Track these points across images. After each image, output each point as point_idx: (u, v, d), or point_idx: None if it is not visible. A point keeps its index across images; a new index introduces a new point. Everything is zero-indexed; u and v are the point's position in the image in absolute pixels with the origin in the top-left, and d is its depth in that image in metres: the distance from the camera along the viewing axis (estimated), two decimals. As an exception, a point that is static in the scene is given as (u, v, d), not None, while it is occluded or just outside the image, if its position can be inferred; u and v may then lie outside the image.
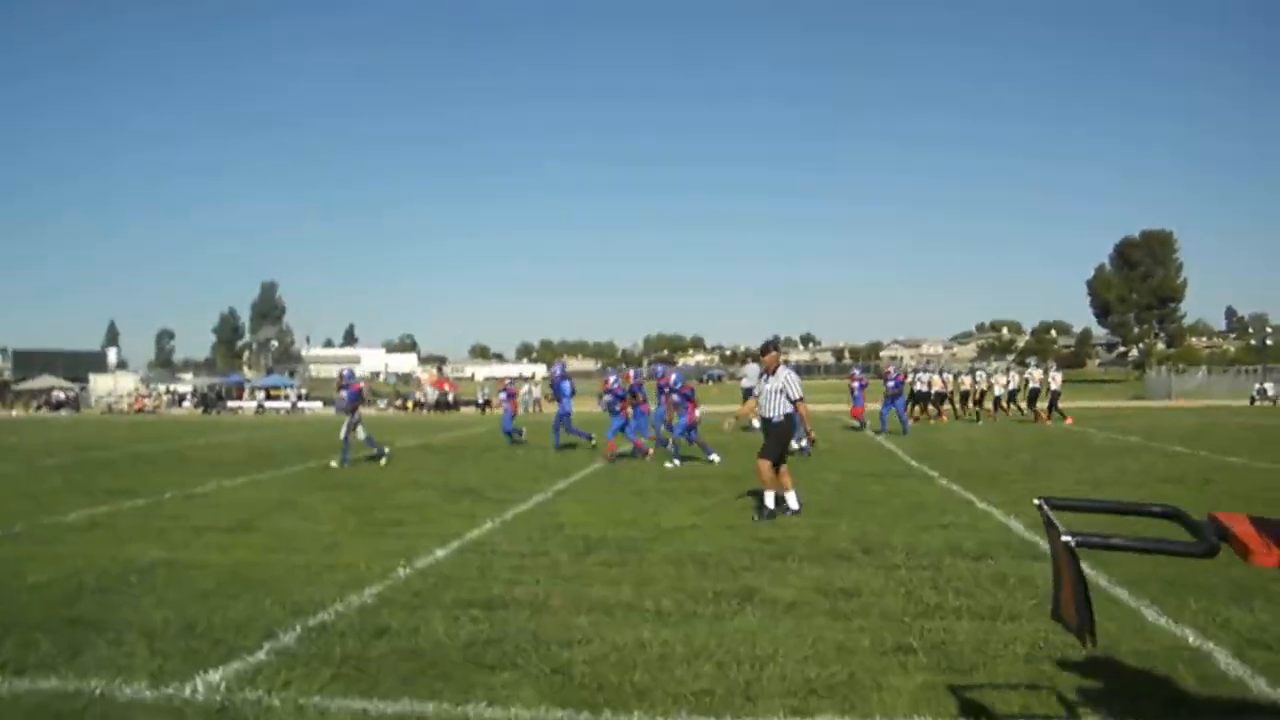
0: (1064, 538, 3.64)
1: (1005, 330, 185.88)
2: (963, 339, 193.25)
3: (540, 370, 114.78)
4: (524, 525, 10.75)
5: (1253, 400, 53.38)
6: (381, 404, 60.56)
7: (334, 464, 18.06)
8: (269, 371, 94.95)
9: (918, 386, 34.34)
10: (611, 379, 19.99)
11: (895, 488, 14.08)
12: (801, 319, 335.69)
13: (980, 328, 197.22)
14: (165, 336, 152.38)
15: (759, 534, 10.03)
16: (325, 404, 62.76)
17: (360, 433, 18.45)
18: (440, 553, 9.18)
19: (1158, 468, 16.41)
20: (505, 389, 25.99)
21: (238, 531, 10.49)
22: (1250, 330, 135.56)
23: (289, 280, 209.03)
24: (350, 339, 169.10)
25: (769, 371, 11.46)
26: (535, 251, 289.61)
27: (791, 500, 11.24)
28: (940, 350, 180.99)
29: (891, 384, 27.14)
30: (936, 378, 36.34)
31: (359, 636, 6.30)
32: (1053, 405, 32.12)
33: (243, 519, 11.30)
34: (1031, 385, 33.94)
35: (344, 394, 19.28)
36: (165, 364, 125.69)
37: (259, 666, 5.69)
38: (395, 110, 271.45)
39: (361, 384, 20.63)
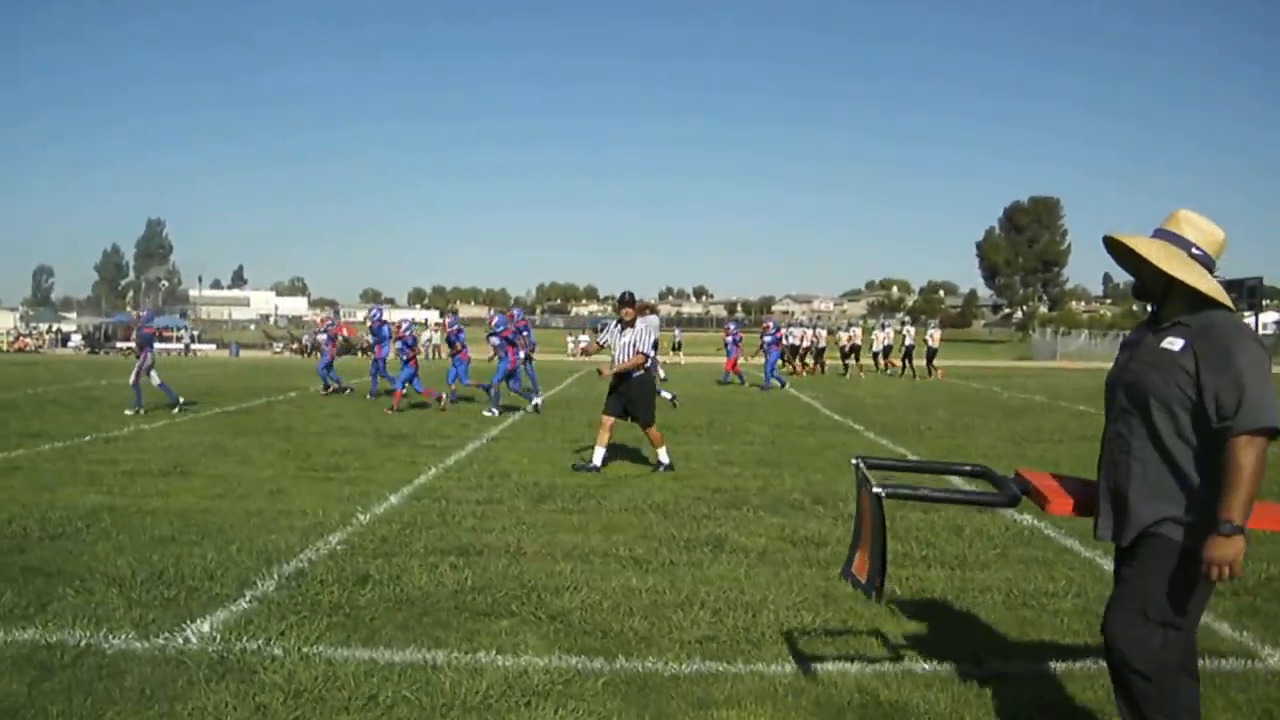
0: (874, 489, 3.85)
1: (895, 289, 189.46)
2: (853, 296, 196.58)
3: (433, 316, 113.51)
4: (469, 472, 10.62)
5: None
6: (277, 347, 59.06)
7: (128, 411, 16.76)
8: (159, 312, 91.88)
9: (789, 340, 35.71)
10: (496, 320, 20.07)
11: (827, 440, 14.30)
12: (695, 272, 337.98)
13: (870, 285, 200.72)
14: (43, 273, 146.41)
15: (708, 483, 10.10)
16: (219, 346, 61.16)
17: (155, 378, 17.15)
18: (394, 499, 9.03)
19: (1071, 426, 16.90)
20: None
21: (174, 476, 10.15)
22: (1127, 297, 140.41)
23: (175, 218, 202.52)
24: (239, 280, 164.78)
25: (626, 324, 10.96)
26: (427, 196, 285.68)
27: (663, 455, 11.02)
28: (831, 307, 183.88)
29: (768, 338, 26.90)
30: (809, 332, 38.34)
31: (341, 584, 6.16)
32: (929, 360, 33.93)
33: (176, 463, 10.94)
34: (907, 342, 35.10)
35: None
36: (44, 302, 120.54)
37: (247, 615, 5.52)
38: (285, 50, 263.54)
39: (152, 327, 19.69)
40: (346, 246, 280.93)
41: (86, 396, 20.91)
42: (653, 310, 12.66)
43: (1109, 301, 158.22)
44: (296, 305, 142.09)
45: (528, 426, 15.63)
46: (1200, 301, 3.42)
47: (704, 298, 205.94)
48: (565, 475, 10.51)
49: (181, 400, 17.52)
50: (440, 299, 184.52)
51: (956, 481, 8.87)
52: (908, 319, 57.86)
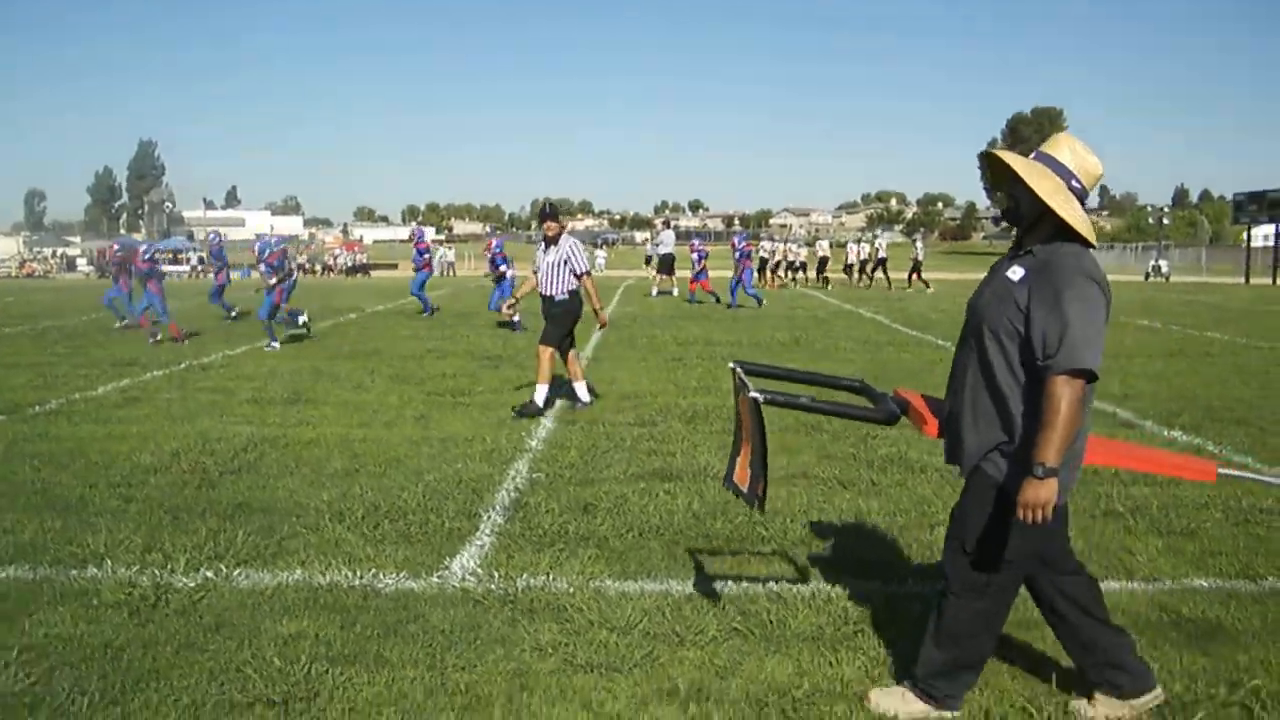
0: (752, 394, 3.74)
1: (893, 201, 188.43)
2: (851, 209, 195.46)
3: (430, 232, 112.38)
4: (598, 393, 10.44)
5: (1147, 276, 55.10)
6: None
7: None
8: (166, 234, 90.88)
9: (762, 255, 36.95)
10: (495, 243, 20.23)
11: (924, 356, 14.13)
12: (690, 185, 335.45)
13: (866, 198, 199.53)
14: (35, 197, 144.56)
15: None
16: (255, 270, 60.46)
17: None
18: (548, 424, 8.85)
19: (1149, 342, 16.70)
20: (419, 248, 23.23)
21: (303, 404, 9.92)
22: (1126, 209, 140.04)
23: (165, 137, 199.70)
24: (233, 200, 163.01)
25: (550, 241, 9.63)
26: (419, 109, 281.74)
27: (581, 391, 9.77)
28: (829, 219, 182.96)
29: (737, 255, 25.91)
30: (780, 246, 40.33)
31: (570, 514, 5.99)
32: (914, 273, 34.47)
33: (294, 391, 10.71)
34: (880, 254, 36.67)
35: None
36: (37, 225, 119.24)
37: (500, 549, 5.36)
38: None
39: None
40: (338, 163, 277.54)
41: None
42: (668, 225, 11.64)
43: (1106, 214, 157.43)
44: (292, 224, 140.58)
45: (616, 345, 15.41)
46: (1061, 233, 3.27)
47: (700, 211, 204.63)
48: (692, 395, 10.35)
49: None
50: (434, 215, 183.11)
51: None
52: (878, 233, 59.20)
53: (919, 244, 35.21)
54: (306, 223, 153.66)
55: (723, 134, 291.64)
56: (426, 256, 22.17)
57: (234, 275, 23.82)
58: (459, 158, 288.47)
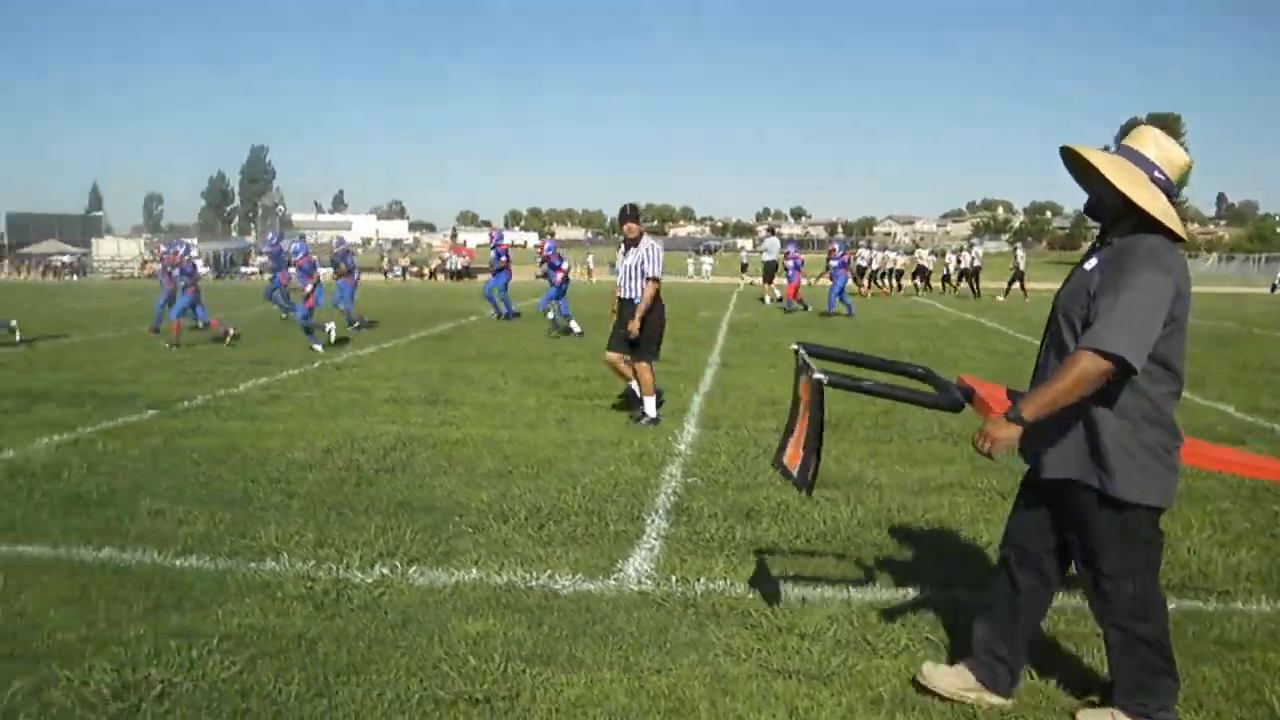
0: (816, 375, 3.74)
1: (999, 209, 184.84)
2: (956, 217, 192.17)
3: (532, 239, 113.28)
4: (734, 399, 10.37)
5: (1274, 288, 53.04)
6: (396, 272, 59.42)
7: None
8: (281, 237, 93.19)
9: (859, 262, 36.33)
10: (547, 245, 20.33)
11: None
12: (793, 192, 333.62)
13: (971, 206, 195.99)
14: (153, 201, 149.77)
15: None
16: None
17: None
18: (691, 428, 8.79)
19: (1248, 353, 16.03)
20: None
21: (440, 405, 10.00)
22: (1247, 218, 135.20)
23: (275, 143, 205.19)
24: (339, 205, 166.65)
25: (630, 243, 9.22)
26: (522, 117, 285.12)
27: (650, 406, 9.13)
28: (934, 227, 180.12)
29: (835, 263, 24.96)
30: (880, 254, 39.62)
31: (736, 520, 5.91)
32: (1014, 282, 32.95)
33: (429, 391, 10.81)
34: (975, 264, 36.09)
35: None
36: (155, 228, 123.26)
37: (670, 554, 5.30)
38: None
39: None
40: (442, 169, 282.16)
41: (270, 321, 21.09)
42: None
43: (1223, 223, 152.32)
44: (397, 228, 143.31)
45: (742, 352, 15.31)
46: (1145, 227, 3.16)
47: (802, 219, 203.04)
48: (829, 403, 10.15)
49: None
50: (536, 220, 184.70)
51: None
52: (973, 242, 58.21)
53: (1020, 253, 34.36)
54: (411, 226, 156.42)
55: (825, 141, 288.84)
56: (504, 259, 21.88)
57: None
58: (561, 164, 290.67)
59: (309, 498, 6.44)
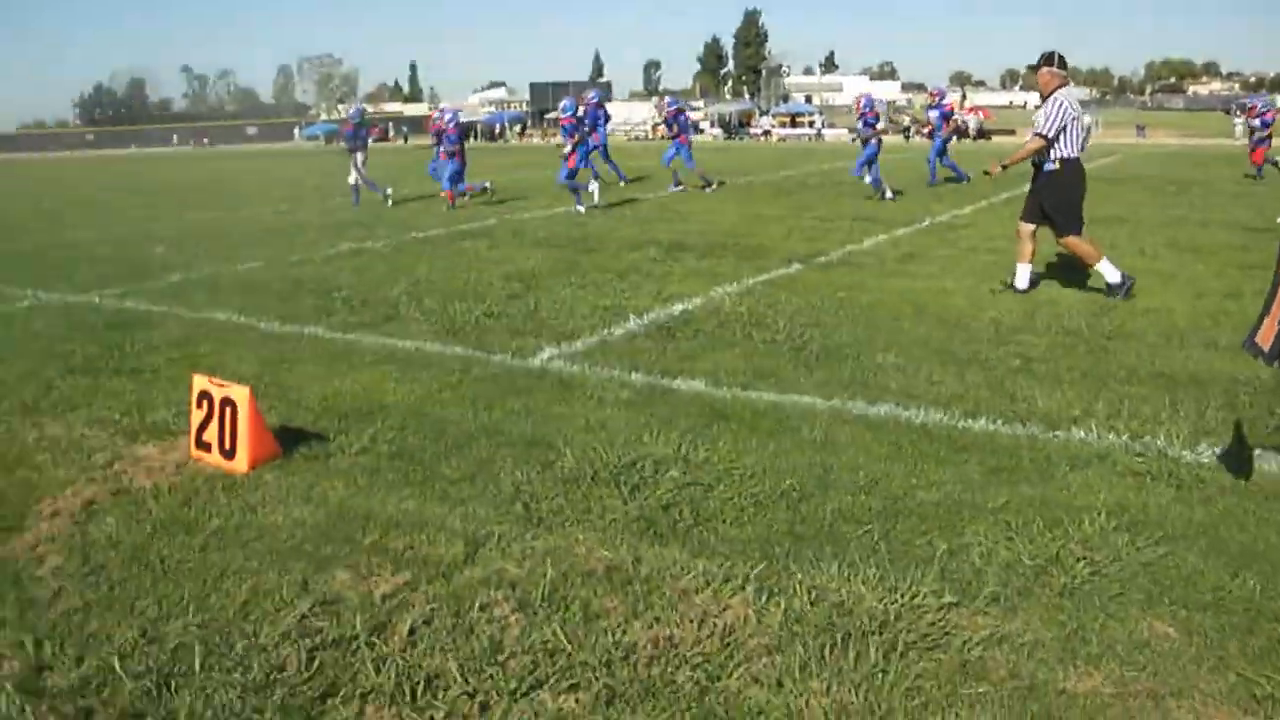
0: None
1: None
2: None
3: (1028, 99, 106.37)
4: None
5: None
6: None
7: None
8: (784, 99, 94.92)
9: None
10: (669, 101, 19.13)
11: None
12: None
13: None
14: (652, 66, 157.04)
15: None
16: (850, 131, 61.69)
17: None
18: None
19: None
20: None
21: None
22: None
23: (768, 5, 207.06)
24: (830, 66, 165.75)
25: (1042, 96, 8.17)
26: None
27: (1108, 272, 8.03)
28: None
29: (1258, 123, 20.75)
30: None
31: None
32: None
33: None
34: None
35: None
36: (654, 93, 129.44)
37: None
38: None
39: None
40: (936, 27, 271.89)
41: (839, 182, 21.14)
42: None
43: None
44: (889, 89, 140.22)
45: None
46: None
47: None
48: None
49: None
50: (1031, 78, 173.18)
51: None
52: None
53: None
54: (903, 88, 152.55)
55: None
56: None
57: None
58: (1064, 19, 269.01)
59: (1048, 362, 6.03)
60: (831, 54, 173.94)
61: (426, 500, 4.12)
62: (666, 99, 21.66)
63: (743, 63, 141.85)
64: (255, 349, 6.83)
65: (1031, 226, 8.33)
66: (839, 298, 8.09)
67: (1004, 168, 8.85)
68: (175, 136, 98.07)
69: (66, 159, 67.71)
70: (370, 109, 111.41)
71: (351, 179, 18.32)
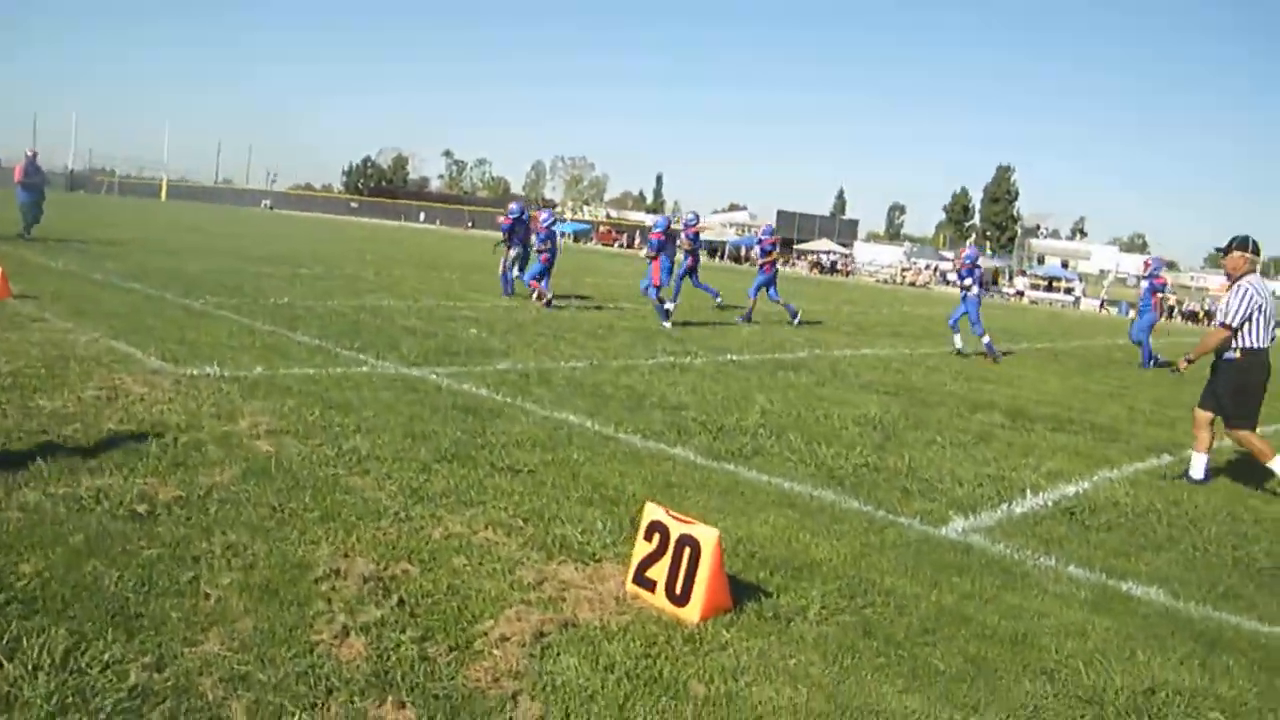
0: None
1: None
2: None
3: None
4: None
5: None
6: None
7: None
8: (1039, 260, 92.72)
9: None
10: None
11: None
12: None
13: None
14: (896, 210, 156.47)
15: None
16: (1105, 305, 59.44)
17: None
18: None
19: None
20: None
21: None
22: None
23: (1021, 164, 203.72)
24: (1078, 232, 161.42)
25: (1231, 279, 7.85)
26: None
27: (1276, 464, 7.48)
28: None
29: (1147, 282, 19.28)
30: None
31: None
32: None
33: None
34: None
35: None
36: (895, 236, 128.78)
37: None
38: None
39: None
40: (1192, 202, 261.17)
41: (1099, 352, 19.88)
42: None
43: None
44: (1137, 264, 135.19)
45: None
46: None
47: None
48: None
49: None
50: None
51: None
52: None
53: None
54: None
55: None
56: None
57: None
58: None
59: None
60: (1082, 219, 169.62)
61: (931, 701, 3.48)
62: (968, 246, 20.81)
63: (989, 217, 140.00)
64: (630, 465, 6.41)
65: (1209, 415, 7.90)
66: (1250, 504, 7.12)
67: (1189, 362, 8.23)
68: (422, 215, 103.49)
69: (340, 221, 71.86)
70: (614, 214, 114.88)
71: (500, 269, 19.58)
